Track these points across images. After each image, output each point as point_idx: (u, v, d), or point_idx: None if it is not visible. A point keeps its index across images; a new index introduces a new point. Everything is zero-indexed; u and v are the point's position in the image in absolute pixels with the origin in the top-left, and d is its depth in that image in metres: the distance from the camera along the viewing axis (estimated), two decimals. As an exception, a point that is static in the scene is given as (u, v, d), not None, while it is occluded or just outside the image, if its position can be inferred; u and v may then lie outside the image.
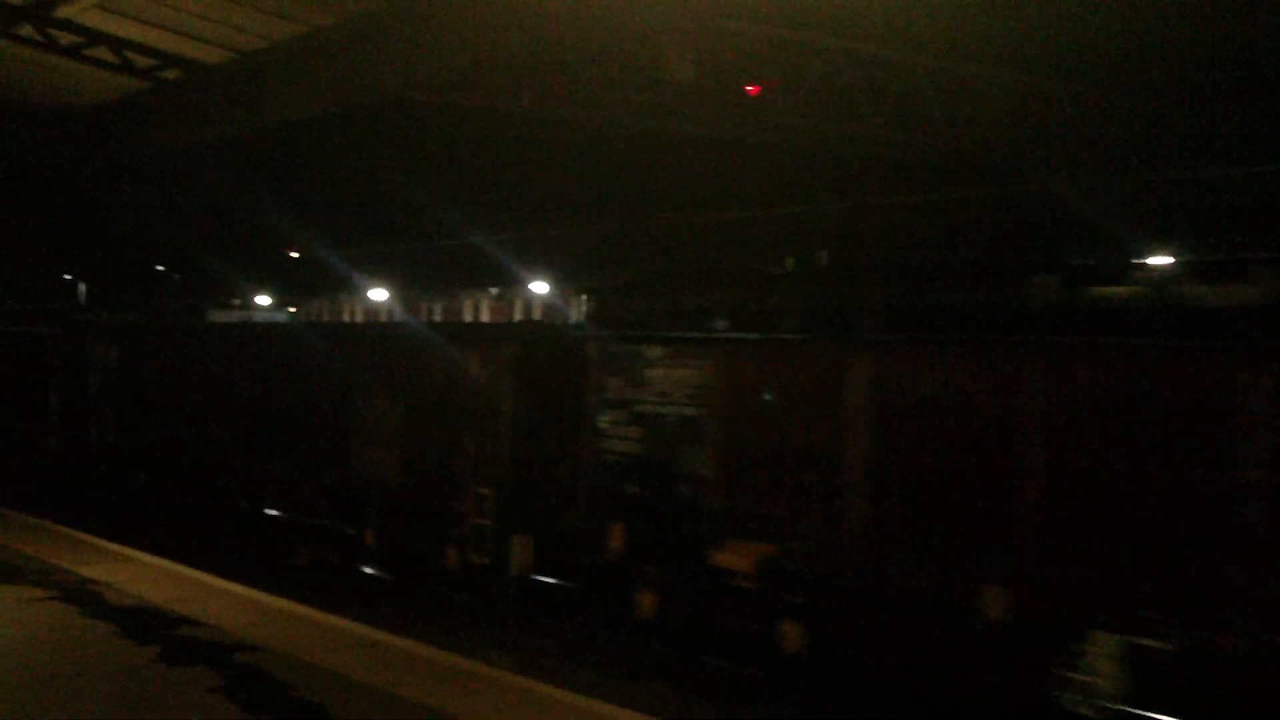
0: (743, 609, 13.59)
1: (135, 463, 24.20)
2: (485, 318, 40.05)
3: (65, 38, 18.09)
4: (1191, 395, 10.48)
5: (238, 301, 34.64)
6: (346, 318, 41.92)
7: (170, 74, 19.14)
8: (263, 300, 35.74)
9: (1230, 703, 10.17)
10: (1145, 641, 10.41)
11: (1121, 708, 10.47)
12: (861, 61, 18.57)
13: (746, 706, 12.72)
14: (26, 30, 17.96)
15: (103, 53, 18.43)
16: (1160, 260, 17.56)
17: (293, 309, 40.11)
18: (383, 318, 40.42)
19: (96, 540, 16.32)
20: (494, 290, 38.23)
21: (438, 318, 39.89)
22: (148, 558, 15.16)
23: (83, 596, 12.56)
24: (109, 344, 25.51)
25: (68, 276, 31.54)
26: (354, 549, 18.66)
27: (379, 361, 19.07)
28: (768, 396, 13.61)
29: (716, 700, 12.85)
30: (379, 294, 36.25)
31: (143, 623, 11.45)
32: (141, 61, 18.71)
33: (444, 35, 16.40)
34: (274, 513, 20.69)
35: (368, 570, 18.50)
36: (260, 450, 21.05)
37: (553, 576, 15.98)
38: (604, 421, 15.50)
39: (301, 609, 12.50)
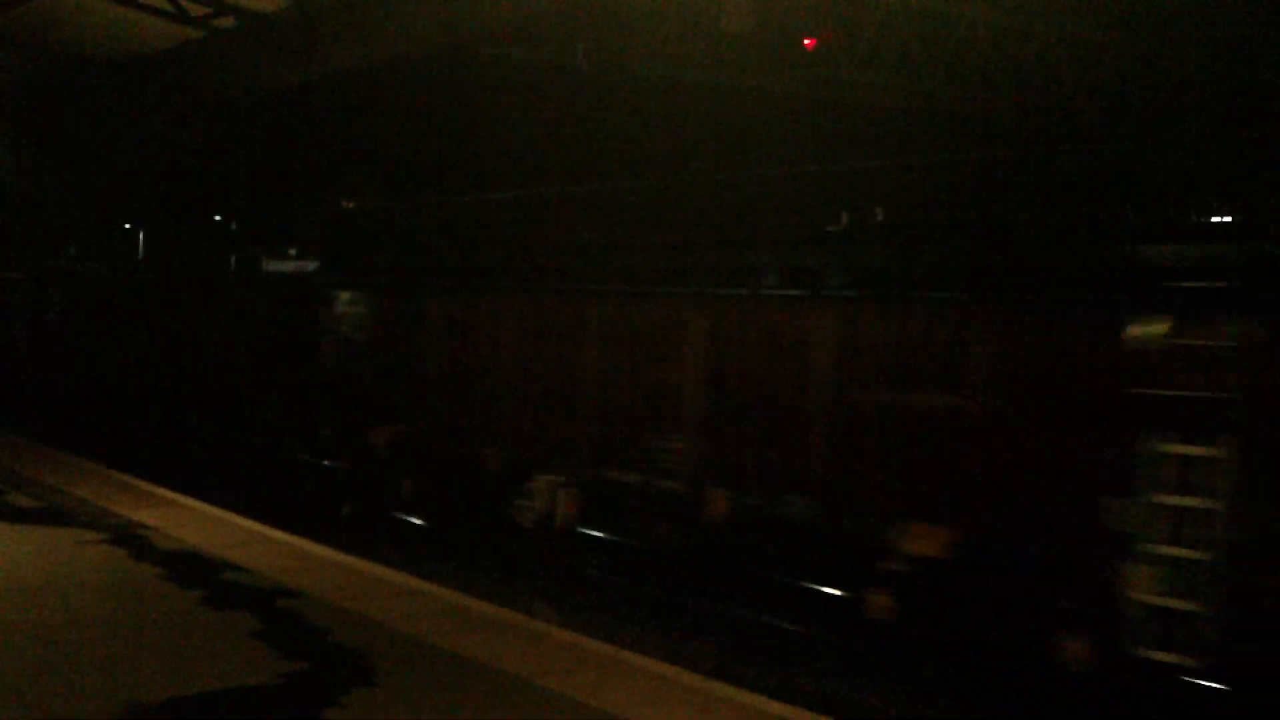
0: None
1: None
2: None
3: (121, -14, 18.20)
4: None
5: (292, 252, 34.71)
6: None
7: (225, 22, 19.17)
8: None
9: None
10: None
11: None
12: (919, 15, 18.33)
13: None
14: (83, -22, 18.08)
15: (159, 1, 18.50)
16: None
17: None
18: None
19: (147, 485, 16.48)
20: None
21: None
22: (196, 503, 15.29)
23: (132, 540, 12.68)
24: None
25: (127, 226, 31.76)
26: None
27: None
28: None
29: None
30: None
31: (188, 567, 11.55)
32: (196, 10, 18.76)
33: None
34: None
35: (412, 519, 18.63)
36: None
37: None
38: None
39: (343, 556, 12.56)
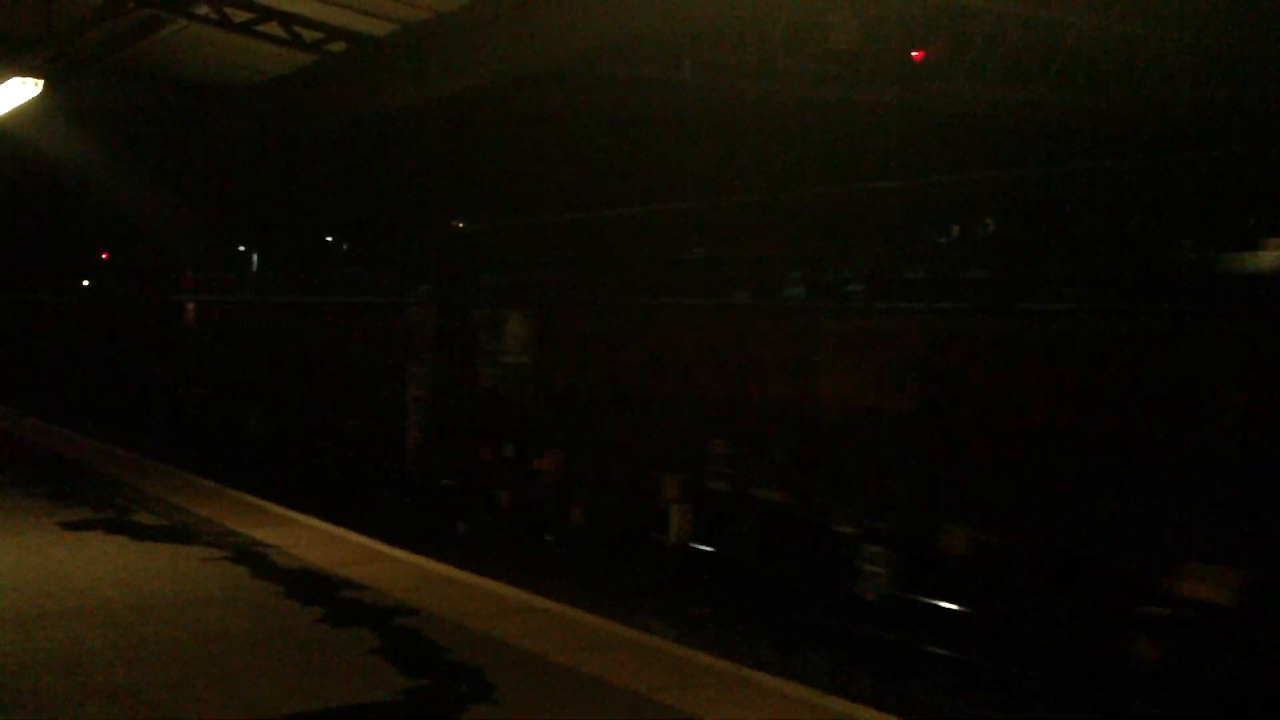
0: None
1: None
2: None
3: (238, 15, 18.58)
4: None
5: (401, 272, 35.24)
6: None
7: (337, 47, 19.52)
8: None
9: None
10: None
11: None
12: (1029, 24, 18.10)
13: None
14: (203, 9, 18.49)
15: (273, 28, 18.89)
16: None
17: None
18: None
19: (266, 504, 16.77)
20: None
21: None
22: (314, 521, 15.52)
23: (253, 558, 12.91)
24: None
25: (242, 248, 32.45)
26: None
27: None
28: None
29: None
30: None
31: (308, 585, 11.73)
32: (309, 35, 19.12)
33: (605, 5, 16.41)
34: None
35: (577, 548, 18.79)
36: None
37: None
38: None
39: (462, 574, 12.66)
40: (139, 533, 14.22)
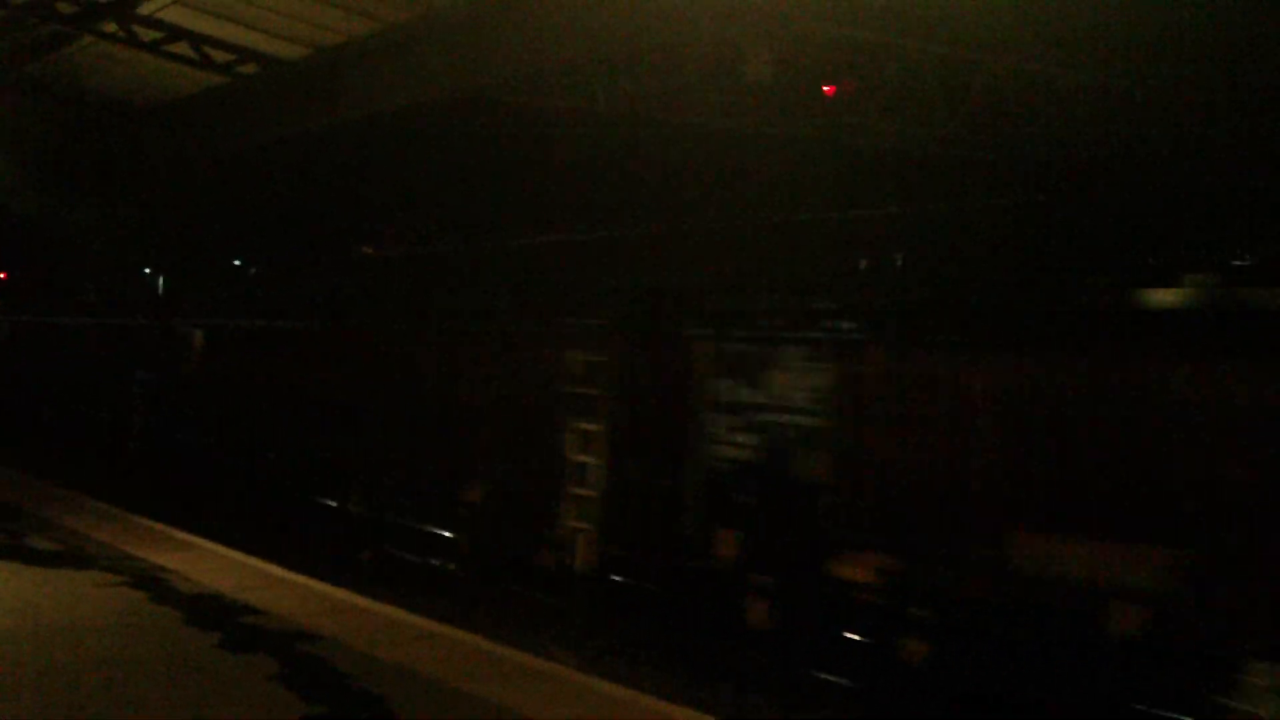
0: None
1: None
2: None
3: (147, 34, 18.34)
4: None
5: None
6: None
7: (248, 69, 19.32)
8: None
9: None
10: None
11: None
12: (942, 63, 18.34)
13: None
14: (110, 27, 18.22)
15: (183, 48, 18.66)
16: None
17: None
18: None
19: (168, 528, 16.46)
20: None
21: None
22: (216, 547, 15.26)
23: (152, 583, 12.65)
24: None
25: (147, 270, 31.93)
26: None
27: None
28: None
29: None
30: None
31: (208, 610, 11.51)
32: (220, 56, 18.91)
33: (521, 35, 16.41)
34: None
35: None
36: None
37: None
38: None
39: (365, 601, 12.50)
40: (33, 558, 13.86)
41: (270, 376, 24.63)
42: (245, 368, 25.53)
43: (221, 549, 15.14)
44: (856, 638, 13.45)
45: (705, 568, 15.11)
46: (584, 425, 17.02)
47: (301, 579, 13.49)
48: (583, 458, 17.02)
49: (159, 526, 16.60)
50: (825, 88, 18.51)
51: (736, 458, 15.22)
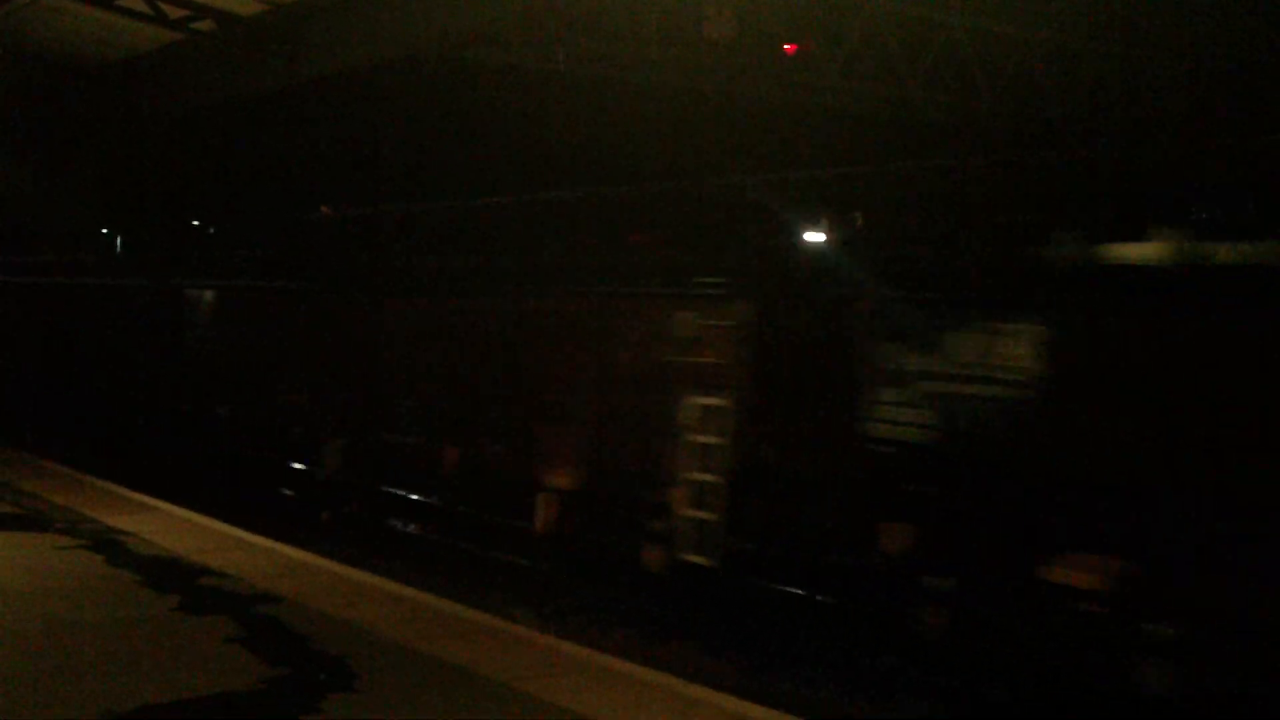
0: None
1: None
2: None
3: (97, -13, 18.11)
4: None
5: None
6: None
7: (204, 25, 19.07)
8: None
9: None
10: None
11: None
12: (902, 22, 18.32)
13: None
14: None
15: (135, 3, 18.39)
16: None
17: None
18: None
19: (126, 491, 16.38)
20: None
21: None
22: (175, 509, 15.19)
23: (109, 546, 12.59)
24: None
25: (105, 230, 31.61)
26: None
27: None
28: None
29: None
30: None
31: (166, 572, 11.46)
32: (175, 13, 18.66)
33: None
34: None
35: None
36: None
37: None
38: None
39: (325, 562, 12.48)
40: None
41: (235, 338, 24.43)
42: (214, 328, 25.31)
43: (181, 511, 15.08)
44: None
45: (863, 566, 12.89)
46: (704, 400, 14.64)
47: (261, 540, 13.45)
48: (703, 437, 14.64)
49: (118, 489, 16.51)
50: (786, 46, 18.48)
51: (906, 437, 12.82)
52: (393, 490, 19.03)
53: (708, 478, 14.47)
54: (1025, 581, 11.29)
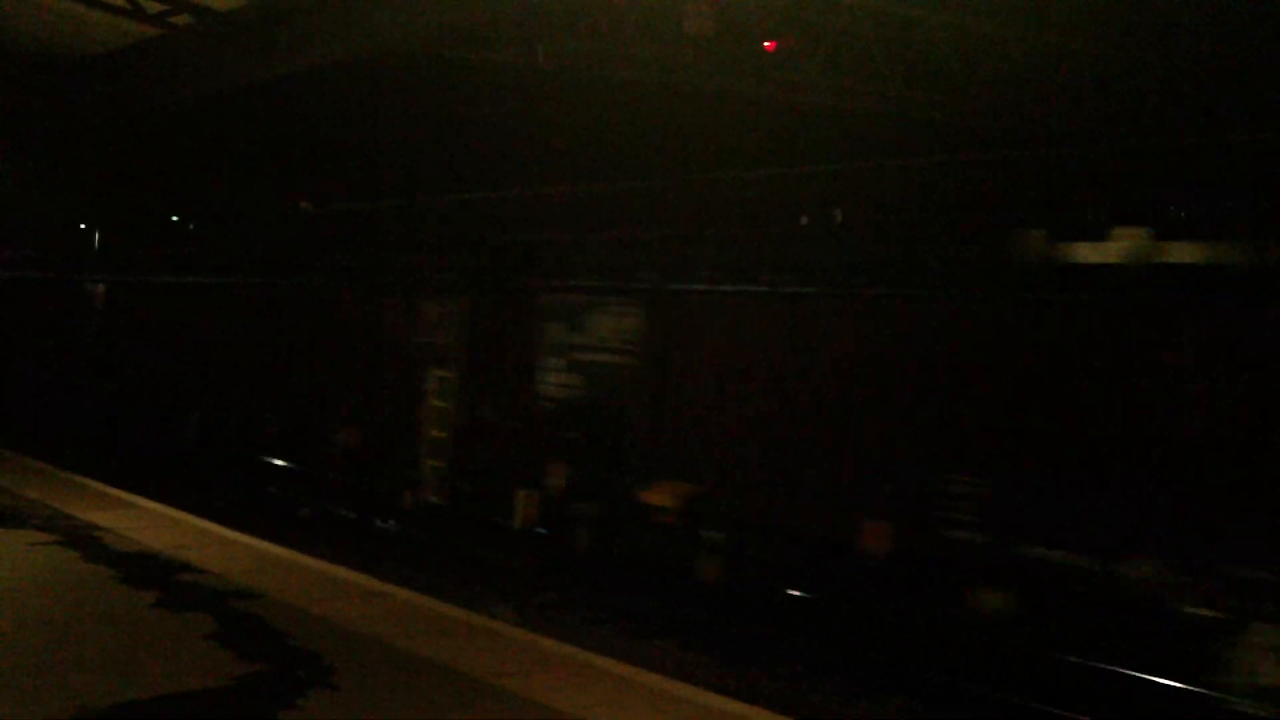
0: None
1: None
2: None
3: (76, -18, 17.98)
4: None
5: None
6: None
7: (181, 20, 18.97)
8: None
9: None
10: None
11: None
12: (881, 19, 18.35)
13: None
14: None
15: (111, -4, 18.30)
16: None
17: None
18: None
19: (102, 486, 16.29)
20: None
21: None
22: (153, 505, 15.12)
23: (86, 542, 12.51)
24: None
25: (83, 226, 31.43)
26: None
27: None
28: None
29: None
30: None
31: (143, 568, 11.40)
32: (152, 6, 18.54)
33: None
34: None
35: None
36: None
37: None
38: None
39: (304, 558, 12.44)
40: None
41: (203, 333, 24.35)
42: (183, 325, 25.22)
43: (158, 507, 15.00)
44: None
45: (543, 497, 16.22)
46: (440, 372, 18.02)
47: (240, 536, 13.40)
48: (438, 402, 18.00)
49: (95, 485, 16.42)
50: (766, 43, 18.49)
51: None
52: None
53: (441, 434, 17.83)
54: (632, 502, 14.71)
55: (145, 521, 13.87)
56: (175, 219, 30.48)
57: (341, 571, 12.01)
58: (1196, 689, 10.29)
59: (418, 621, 10.08)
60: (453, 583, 15.22)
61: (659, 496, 14.40)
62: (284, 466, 21.33)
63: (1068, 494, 11.02)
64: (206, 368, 23.50)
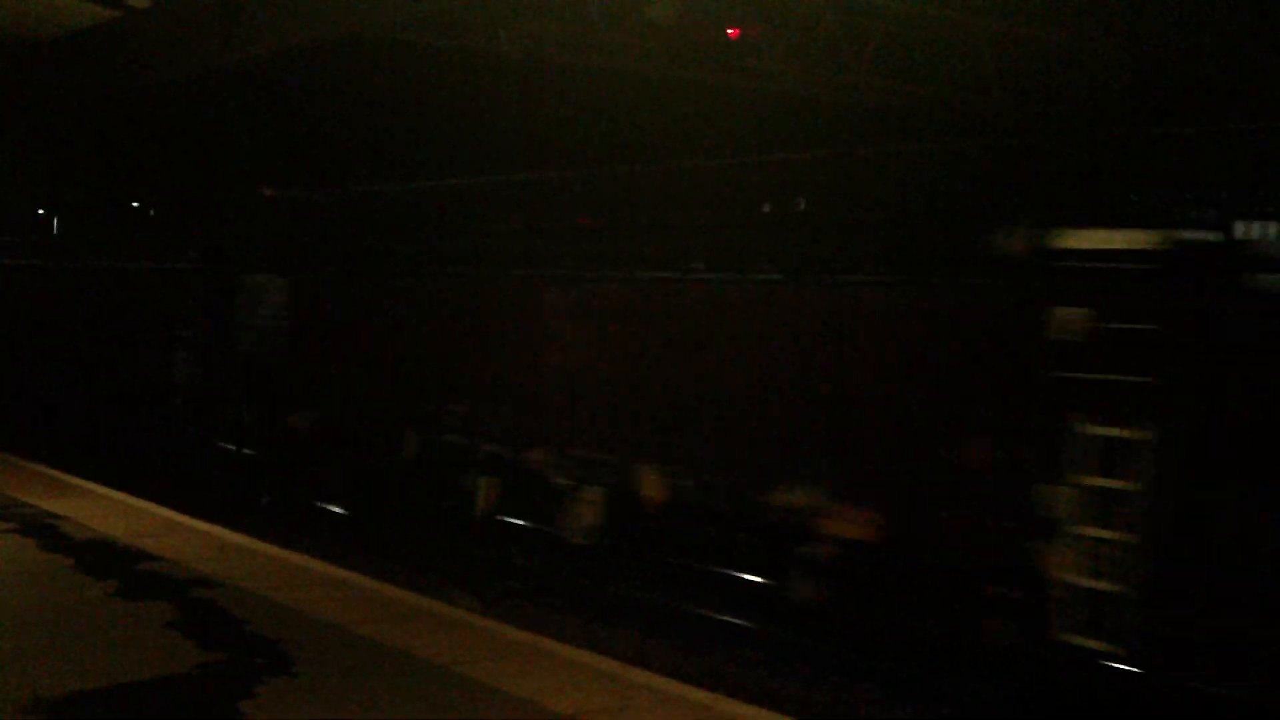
0: None
1: None
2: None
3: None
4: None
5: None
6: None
7: (141, 3, 18.77)
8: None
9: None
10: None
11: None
12: (844, 7, 18.36)
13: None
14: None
15: (72, -22, 18.09)
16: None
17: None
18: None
19: (61, 474, 16.17)
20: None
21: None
22: (112, 492, 15.03)
23: (43, 530, 12.42)
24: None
25: (41, 211, 31.21)
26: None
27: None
28: None
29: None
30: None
31: (101, 557, 11.33)
32: (110, -11, 18.36)
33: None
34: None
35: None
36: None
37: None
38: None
39: (263, 545, 12.40)
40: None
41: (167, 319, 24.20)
42: (141, 310, 25.06)
43: (117, 495, 14.92)
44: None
45: None
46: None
47: (199, 524, 13.33)
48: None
49: (53, 473, 16.30)
50: (729, 30, 18.47)
51: None
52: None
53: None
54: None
55: (104, 509, 13.79)
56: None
57: (301, 558, 11.98)
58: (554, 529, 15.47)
59: (378, 608, 10.06)
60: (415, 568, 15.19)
61: (297, 420, 19.62)
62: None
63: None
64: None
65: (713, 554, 14.33)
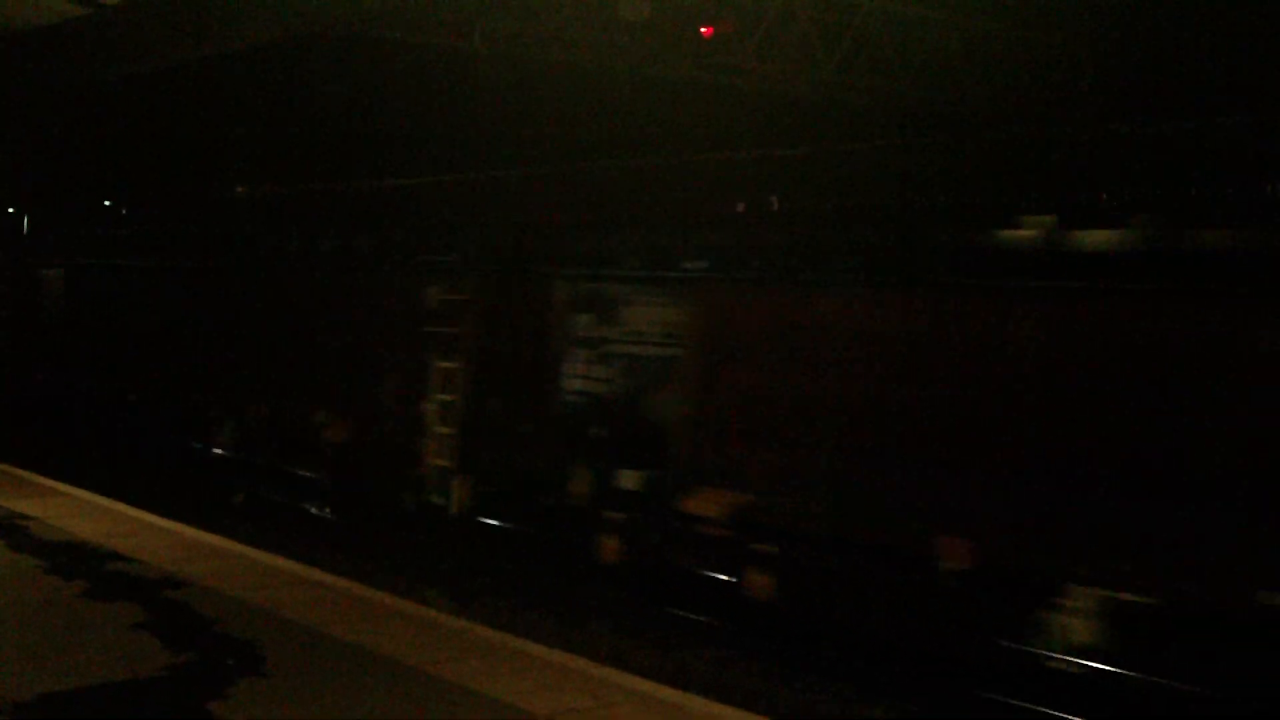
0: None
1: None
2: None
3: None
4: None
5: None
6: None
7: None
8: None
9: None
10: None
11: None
12: (818, 4, 18.39)
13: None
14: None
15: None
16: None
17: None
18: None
19: (29, 474, 16.05)
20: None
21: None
22: (81, 492, 14.93)
23: (10, 531, 12.31)
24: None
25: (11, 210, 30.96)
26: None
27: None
28: None
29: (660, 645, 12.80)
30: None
31: (70, 557, 11.24)
32: (80, -17, 18.23)
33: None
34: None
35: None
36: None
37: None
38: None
39: (235, 545, 12.33)
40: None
41: (137, 317, 24.13)
42: (112, 309, 25.00)
43: (88, 495, 14.81)
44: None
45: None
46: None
47: (171, 524, 13.25)
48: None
49: (20, 473, 16.18)
50: (703, 29, 18.47)
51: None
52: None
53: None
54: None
55: (74, 509, 13.69)
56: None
57: (272, 558, 11.91)
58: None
59: (350, 608, 10.01)
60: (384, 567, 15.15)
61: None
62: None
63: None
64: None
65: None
